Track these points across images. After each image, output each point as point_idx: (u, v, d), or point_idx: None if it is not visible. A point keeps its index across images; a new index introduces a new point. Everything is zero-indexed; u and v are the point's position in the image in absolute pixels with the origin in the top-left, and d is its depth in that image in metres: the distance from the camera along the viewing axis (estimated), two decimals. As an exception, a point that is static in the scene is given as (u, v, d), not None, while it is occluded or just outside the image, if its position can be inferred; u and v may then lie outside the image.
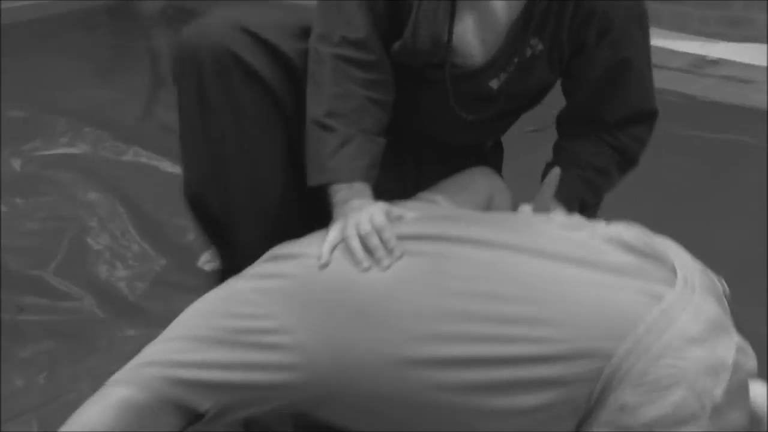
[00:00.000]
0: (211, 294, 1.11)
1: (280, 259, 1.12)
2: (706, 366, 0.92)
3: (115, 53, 3.85)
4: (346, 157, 1.20)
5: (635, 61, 1.29)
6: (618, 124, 1.35)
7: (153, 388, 1.00)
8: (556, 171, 1.31)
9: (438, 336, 0.99)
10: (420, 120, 1.39)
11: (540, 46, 1.25)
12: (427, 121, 1.39)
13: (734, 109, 2.86)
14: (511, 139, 1.58)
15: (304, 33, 1.29)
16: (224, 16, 1.29)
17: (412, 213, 1.17)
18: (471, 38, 1.25)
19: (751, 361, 0.97)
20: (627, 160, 1.38)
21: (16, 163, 2.38)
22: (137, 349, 1.07)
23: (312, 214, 1.25)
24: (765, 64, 3.65)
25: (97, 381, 1.07)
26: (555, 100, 1.44)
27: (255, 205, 1.30)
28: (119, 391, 1.00)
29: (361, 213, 1.12)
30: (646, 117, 1.36)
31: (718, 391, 0.91)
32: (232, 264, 1.23)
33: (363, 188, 1.20)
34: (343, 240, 1.09)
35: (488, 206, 1.40)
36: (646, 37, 1.30)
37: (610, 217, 1.14)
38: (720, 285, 1.05)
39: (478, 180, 1.43)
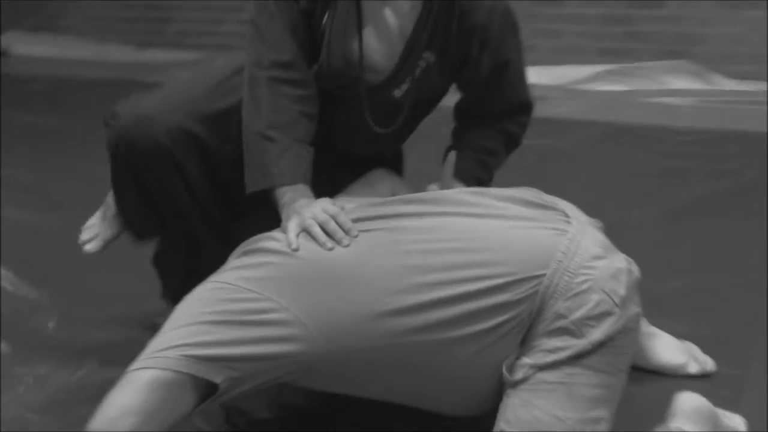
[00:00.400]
0: (200, 289, 1.26)
1: (252, 253, 1.30)
2: (609, 274, 1.23)
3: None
4: (288, 163, 1.40)
5: (513, 63, 1.59)
6: (503, 114, 1.65)
7: (174, 367, 1.14)
8: (452, 155, 1.59)
9: (403, 289, 1.21)
10: (334, 134, 1.59)
11: (432, 58, 1.51)
12: (341, 135, 1.60)
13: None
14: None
15: (223, 94, 1.52)
16: (158, 104, 1.54)
17: (350, 204, 1.40)
18: (373, 55, 1.51)
19: (635, 267, 1.29)
20: (512, 143, 1.70)
21: None
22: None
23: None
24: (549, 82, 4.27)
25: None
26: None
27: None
28: (145, 374, 1.13)
29: (313, 207, 1.33)
30: (525, 107, 1.68)
31: (622, 290, 1.22)
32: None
33: (305, 189, 1.41)
34: (304, 229, 1.29)
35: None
36: (519, 42, 1.60)
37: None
38: (598, 223, 1.37)
39: (380, 180, 1.68)
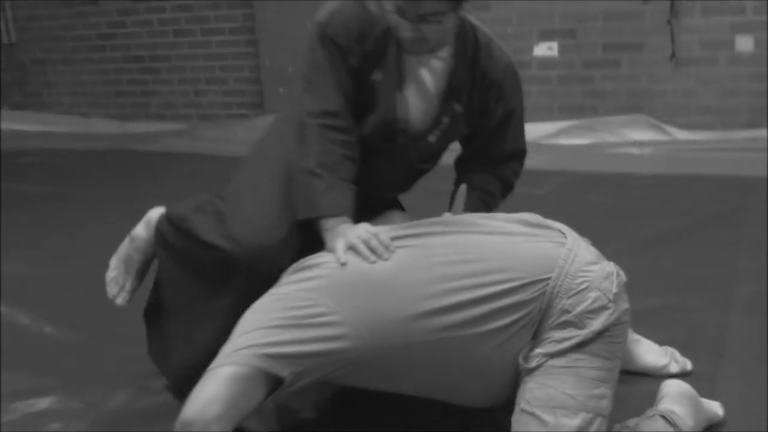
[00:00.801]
0: (262, 301, 1.49)
1: (306, 269, 1.53)
2: (602, 275, 1.49)
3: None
4: (334, 197, 1.64)
5: (517, 112, 1.87)
6: (501, 161, 1.91)
7: (249, 364, 1.36)
8: (463, 187, 1.85)
9: (434, 294, 1.45)
10: (361, 181, 1.77)
11: (459, 109, 1.78)
12: (370, 181, 1.80)
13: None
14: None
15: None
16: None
17: (385, 228, 1.64)
18: (414, 110, 1.76)
19: (622, 272, 1.55)
20: (507, 188, 1.96)
21: None
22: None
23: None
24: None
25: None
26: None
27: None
28: (226, 370, 1.35)
29: (356, 229, 1.57)
30: (520, 154, 1.94)
31: (614, 288, 1.48)
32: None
33: (347, 220, 1.65)
34: (350, 247, 1.53)
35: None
36: (521, 95, 1.88)
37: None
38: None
39: (395, 216, 1.95)
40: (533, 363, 1.46)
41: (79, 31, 6.45)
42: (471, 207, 1.86)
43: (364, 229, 1.57)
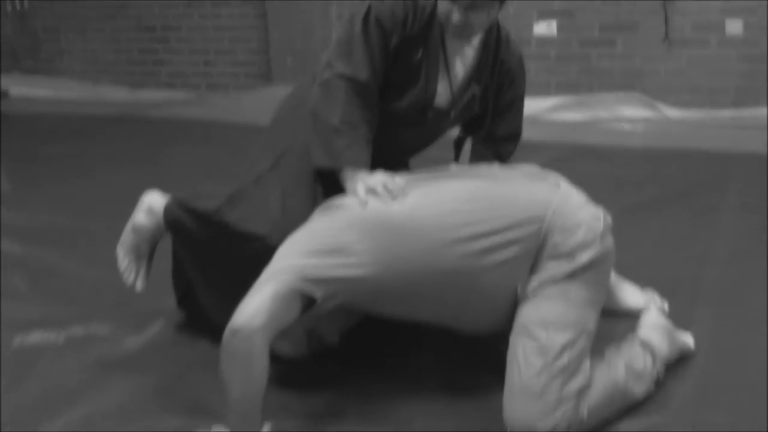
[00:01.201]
0: (300, 232, 1.71)
1: (333, 208, 1.75)
2: (591, 216, 1.72)
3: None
4: (355, 151, 1.84)
5: (521, 97, 2.10)
6: (499, 140, 2.13)
7: (289, 283, 1.58)
8: (468, 146, 2.08)
9: (445, 229, 1.67)
10: (388, 146, 1.98)
11: (477, 91, 2.01)
12: (394, 147, 2.02)
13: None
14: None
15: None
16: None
17: (400, 174, 1.86)
18: (444, 90, 1.97)
19: (608, 215, 1.78)
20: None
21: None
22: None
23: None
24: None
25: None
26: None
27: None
28: (270, 287, 1.58)
29: (375, 175, 1.79)
30: (516, 136, 2.16)
31: (600, 227, 1.71)
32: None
33: (366, 169, 1.86)
34: (370, 190, 1.75)
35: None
36: (525, 81, 2.10)
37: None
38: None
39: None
40: (530, 290, 1.69)
41: (91, 0, 6.62)
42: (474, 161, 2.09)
43: (382, 174, 1.79)
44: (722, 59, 4.81)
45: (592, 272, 1.70)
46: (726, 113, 4.73)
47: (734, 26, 4.72)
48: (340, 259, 1.64)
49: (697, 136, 4.41)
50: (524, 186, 1.77)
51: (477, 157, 2.13)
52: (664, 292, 2.23)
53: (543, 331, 1.64)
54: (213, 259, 1.97)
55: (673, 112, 4.84)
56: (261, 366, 1.55)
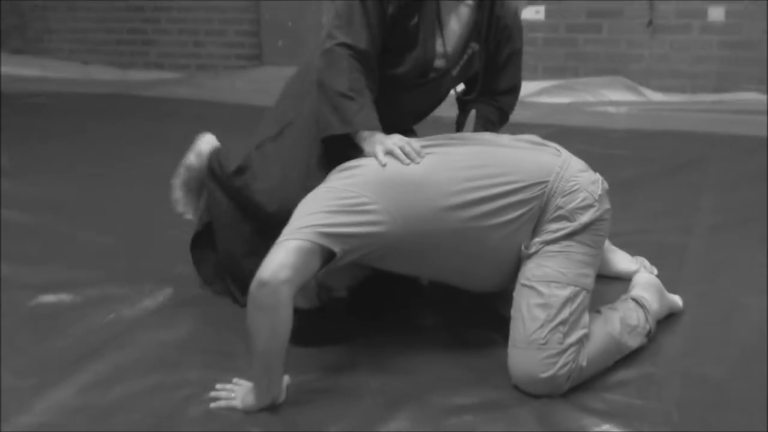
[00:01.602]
0: (319, 191, 1.80)
1: (350, 168, 1.85)
2: (590, 180, 1.84)
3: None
4: (367, 115, 1.94)
5: (519, 51, 2.20)
6: (501, 93, 2.23)
7: (310, 239, 1.68)
8: (473, 112, 2.19)
9: (457, 191, 1.78)
10: (393, 111, 2.06)
11: (476, 47, 2.11)
12: (399, 111, 2.11)
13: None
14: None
15: None
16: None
17: (415, 138, 1.97)
18: (443, 50, 2.07)
19: (605, 181, 1.90)
20: (504, 117, 2.29)
21: None
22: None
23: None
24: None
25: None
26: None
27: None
28: (292, 242, 1.67)
29: (392, 137, 1.89)
30: (516, 89, 2.27)
31: (599, 191, 1.83)
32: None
33: (381, 131, 1.95)
34: (388, 151, 1.85)
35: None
36: (522, 37, 2.21)
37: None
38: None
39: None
40: (532, 249, 1.81)
41: (80, -22, 6.64)
42: (477, 130, 2.20)
43: (399, 137, 1.89)
44: (704, 45, 4.96)
45: (590, 233, 1.82)
46: (707, 98, 4.89)
47: (716, 13, 4.87)
48: (358, 216, 1.74)
49: (679, 119, 4.55)
50: (529, 152, 1.89)
51: (480, 112, 2.22)
52: (652, 260, 2.36)
53: (545, 287, 1.76)
54: (230, 212, 2.16)
55: (656, 96, 4.99)
56: (286, 318, 1.65)
